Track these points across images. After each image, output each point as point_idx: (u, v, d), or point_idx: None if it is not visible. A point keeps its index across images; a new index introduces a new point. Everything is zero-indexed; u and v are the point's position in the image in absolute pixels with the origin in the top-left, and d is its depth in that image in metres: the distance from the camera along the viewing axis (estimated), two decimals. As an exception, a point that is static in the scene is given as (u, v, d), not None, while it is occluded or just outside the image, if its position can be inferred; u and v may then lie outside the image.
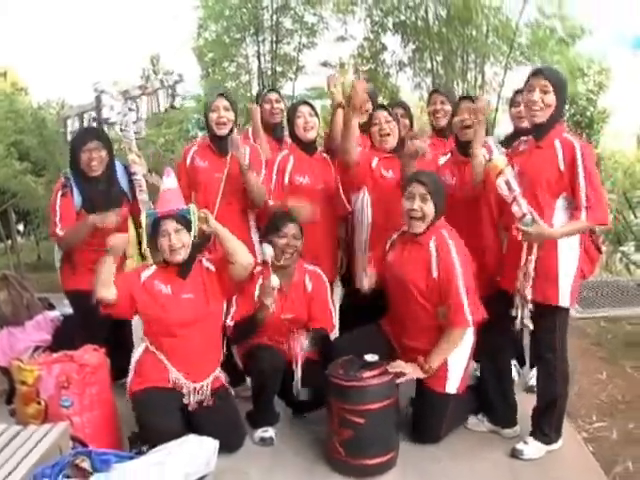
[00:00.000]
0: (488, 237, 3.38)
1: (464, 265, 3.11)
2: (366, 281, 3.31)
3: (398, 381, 3.09)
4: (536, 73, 2.95)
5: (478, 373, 3.53)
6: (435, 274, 3.12)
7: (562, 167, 2.86)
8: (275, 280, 3.22)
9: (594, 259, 3.24)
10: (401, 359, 3.21)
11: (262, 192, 3.73)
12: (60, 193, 3.73)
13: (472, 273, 3.15)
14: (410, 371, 3.13)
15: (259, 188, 3.71)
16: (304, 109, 3.86)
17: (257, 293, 3.31)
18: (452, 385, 3.24)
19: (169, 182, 3.29)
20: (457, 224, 3.30)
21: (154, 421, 2.98)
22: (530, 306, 2.96)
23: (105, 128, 3.99)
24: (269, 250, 3.30)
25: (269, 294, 3.23)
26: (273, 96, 4.34)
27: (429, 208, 3.12)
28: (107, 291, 3.07)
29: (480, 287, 3.21)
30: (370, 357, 3.09)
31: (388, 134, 3.66)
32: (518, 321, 3.01)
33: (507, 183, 2.88)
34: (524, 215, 2.84)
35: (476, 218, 3.39)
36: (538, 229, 2.83)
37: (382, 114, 3.67)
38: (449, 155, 3.71)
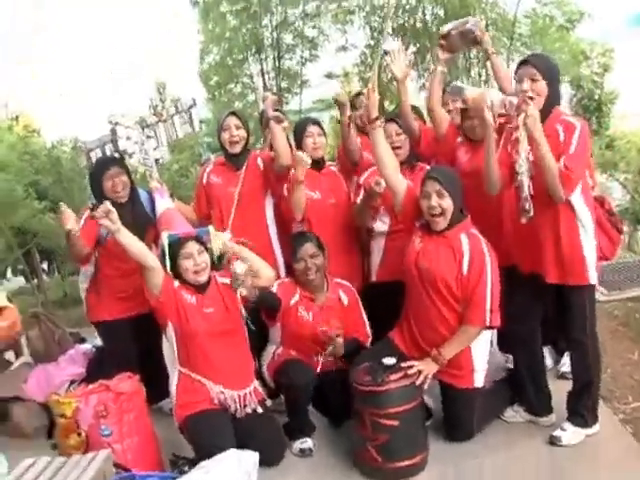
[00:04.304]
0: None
1: (494, 267, 3.11)
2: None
3: (420, 383, 3.07)
4: (523, 62, 2.97)
5: (510, 365, 3.52)
6: (466, 271, 3.11)
7: (562, 145, 2.86)
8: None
9: (615, 240, 3.22)
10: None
11: (287, 152, 3.66)
12: (87, 214, 3.62)
13: (498, 276, 3.14)
14: (426, 368, 3.11)
15: (284, 147, 3.67)
16: (313, 129, 3.83)
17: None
18: (479, 378, 3.23)
19: (165, 202, 3.29)
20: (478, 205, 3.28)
21: (210, 443, 2.97)
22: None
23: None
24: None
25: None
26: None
27: (447, 203, 3.11)
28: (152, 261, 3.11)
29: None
30: (388, 360, 3.09)
31: (399, 147, 3.65)
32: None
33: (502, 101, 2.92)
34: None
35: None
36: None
37: (393, 127, 3.65)
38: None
